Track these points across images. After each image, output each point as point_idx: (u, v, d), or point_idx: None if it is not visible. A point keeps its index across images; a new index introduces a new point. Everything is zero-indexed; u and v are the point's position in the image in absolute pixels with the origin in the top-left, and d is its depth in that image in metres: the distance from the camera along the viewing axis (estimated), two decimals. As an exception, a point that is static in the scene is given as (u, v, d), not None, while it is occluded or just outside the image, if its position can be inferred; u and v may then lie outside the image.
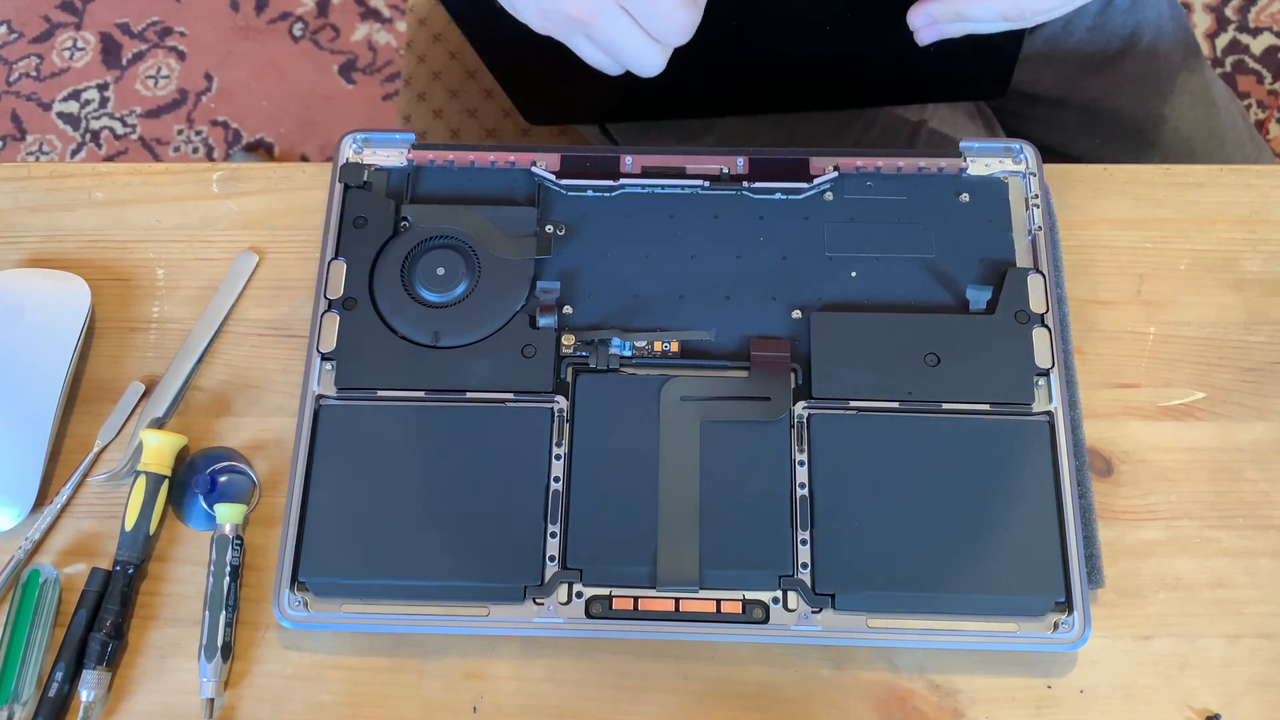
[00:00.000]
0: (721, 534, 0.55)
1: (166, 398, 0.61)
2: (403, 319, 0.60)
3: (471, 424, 0.58)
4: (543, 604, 0.55)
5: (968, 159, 0.63)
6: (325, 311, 0.60)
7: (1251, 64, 1.50)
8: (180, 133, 1.54)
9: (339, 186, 0.63)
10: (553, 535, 0.56)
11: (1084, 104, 0.83)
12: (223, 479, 0.59)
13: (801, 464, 0.57)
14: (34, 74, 1.58)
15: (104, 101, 1.56)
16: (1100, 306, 0.63)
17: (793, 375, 0.59)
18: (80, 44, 1.59)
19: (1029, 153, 0.63)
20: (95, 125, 1.55)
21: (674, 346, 0.60)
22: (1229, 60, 1.50)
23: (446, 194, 0.63)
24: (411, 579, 0.55)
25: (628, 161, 0.63)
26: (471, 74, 0.93)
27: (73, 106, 1.56)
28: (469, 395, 0.58)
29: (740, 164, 0.63)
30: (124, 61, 1.58)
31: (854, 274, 0.61)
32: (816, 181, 0.62)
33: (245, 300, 0.64)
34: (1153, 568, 0.57)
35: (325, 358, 0.59)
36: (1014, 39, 0.65)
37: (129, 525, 0.57)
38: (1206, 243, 0.64)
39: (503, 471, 0.57)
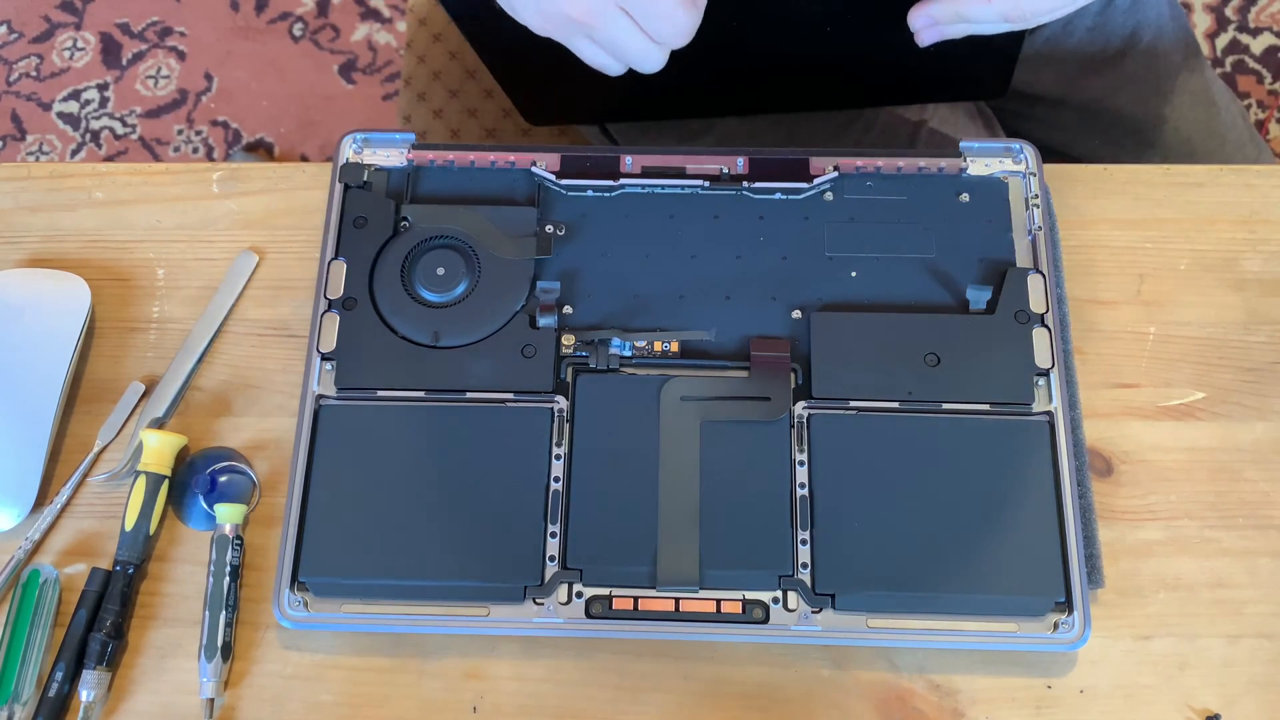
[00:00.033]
0: (721, 534, 0.55)
1: (166, 398, 0.61)
2: (403, 319, 0.60)
3: (471, 424, 0.58)
4: (543, 604, 0.55)
5: (968, 159, 0.63)
6: (325, 311, 0.60)
7: (1251, 64, 1.50)
8: (180, 133, 1.54)
9: (339, 186, 0.63)
10: (553, 535, 0.56)
11: (1084, 104, 0.83)
12: (223, 479, 0.59)
13: (801, 464, 0.57)
14: (34, 74, 1.58)
15: (104, 101, 1.56)
16: (1100, 306, 0.63)
17: (793, 375, 0.59)
18: (80, 44, 1.59)
19: (1029, 153, 0.63)
20: (95, 125, 1.55)
21: (674, 346, 0.60)
22: (1229, 60, 1.50)
23: (446, 194, 0.63)
24: (411, 579, 0.55)
25: (628, 161, 0.63)
26: (471, 74, 0.93)
27: (73, 106, 1.56)
28: (469, 395, 0.58)
29: (740, 164, 0.63)
30: (124, 61, 1.58)
31: (854, 274, 0.61)
32: (816, 181, 0.62)
33: (245, 300, 0.64)
34: (1153, 568, 0.57)
35: (325, 358, 0.59)
36: (1014, 39, 0.65)
37: (129, 525, 0.57)
38: (1206, 243, 0.64)
39: (503, 471, 0.57)
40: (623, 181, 0.63)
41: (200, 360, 0.62)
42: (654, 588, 0.55)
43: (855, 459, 0.57)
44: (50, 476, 0.60)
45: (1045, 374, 0.58)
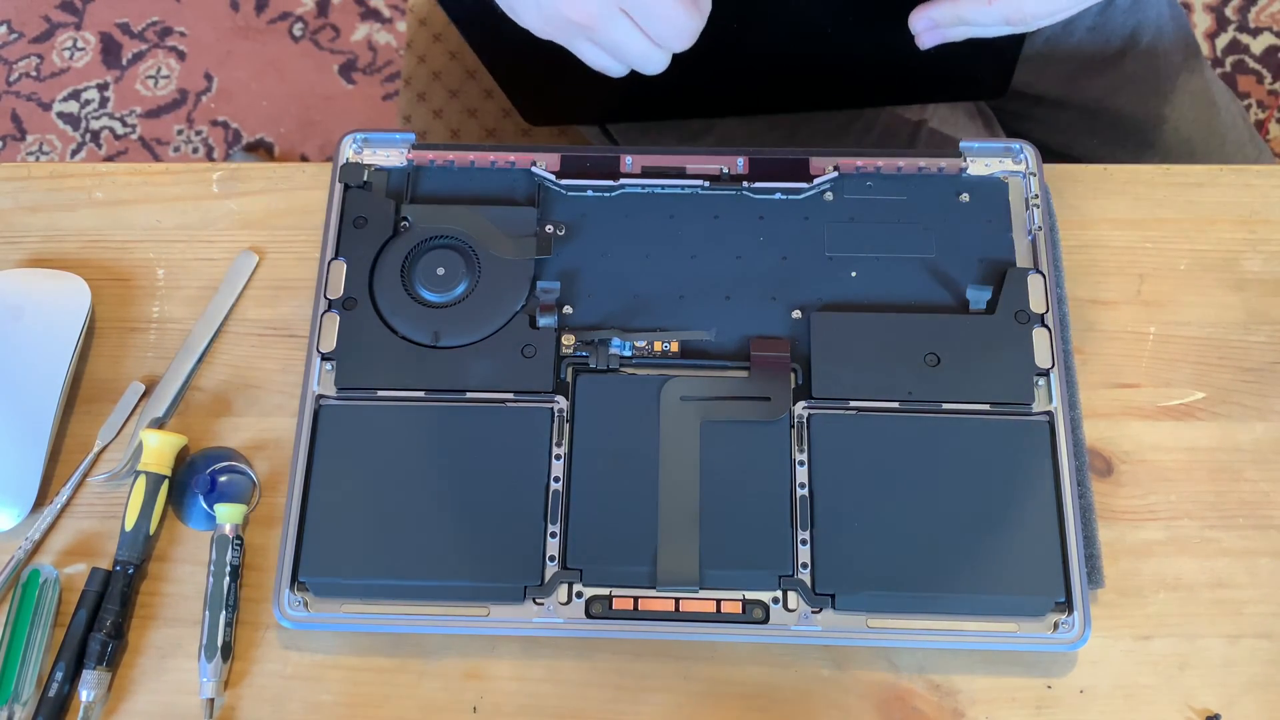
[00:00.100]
0: (721, 534, 0.55)
1: (166, 398, 0.61)
2: (403, 319, 0.60)
3: (471, 424, 0.58)
4: (543, 604, 0.55)
5: (968, 159, 0.63)
6: (325, 311, 0.60)
7: (1251, 64, 1.50)
8: (180, 133, 1.54)
9: (339, 186, 0.63)
10: (553, 535, 0.56)
11: (1084, 104, 0.83)
12: (223, 479, 0.59)
13: (801, 464, 0.57)
14: (34, 74, 1.58)
15: (104, 101, 1.56)
16: (1100, 306, 0.63)
17: (793, 375, 0.59)
18: (80, 44, 1.59)
19: (1029, 153, 0.63)
20: (95, 125, 1.55)
21: (674, 346, 0.60)
22: (1229, 60, 1.50)
23: (446, 194, 0.63)
24: (411, 579, 0.55)
25: (628, 161, 0.63)
26: (471, 74, 0.93)
27: (73, 106, 1.56)
28: (469, 395, 0.58)
29: (740, 164, 0.63)
30: (124, 61, 1.58)
31: (854, 274, 0.61)
32: (816, 181, 0.62)
33: (245, 300, 0.64)
34: (1153, 568, 0.57)
35: (325, 358, 0.59)
36: (1014, 40, 0.65)
37: (129, 525, 0.57)
38: (1206, 243, 0.64)
39: (503, 471, 0.57)
40: (623, 181, 0.63)
41: (200, 360, 0.62)
42: (654, 588, 0.55)
43: (855, 459, 0.57)
44: (50, 476, 0.60)
45: (1045, 374, 0.58)
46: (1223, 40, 1.52)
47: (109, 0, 1.61)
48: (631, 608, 0.55)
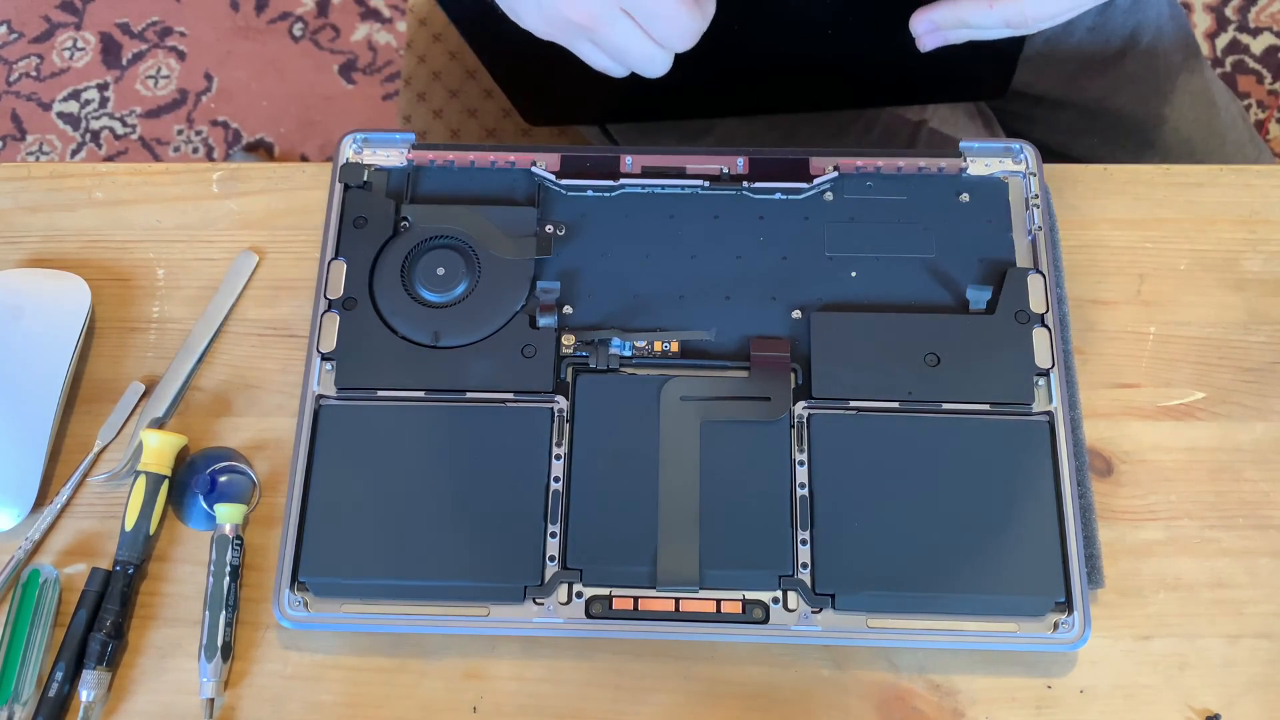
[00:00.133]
0: (721, 534, 0.55)
1: (166, 398, 0.61)
2: (403, 319, 0.60)
3: (471, 424, 0.58)
4: (543, 604, 0.55)
5: (968, 159, 0.63)
6: (325, 311, 0.60)
7: (1251, 64, 1.50)
8: (180, 133, 1.54)
9: (339, 186, 0.63)
10: (553, 535, 0.56)
11: (1084, 104, 0.83)
12: (223, 479, 0.59)
13: (801, 464, 0.57)
14: (34, 74, 1.58)
15: (104, 101, 1.56)
16: (1100, 306, 0.63)
17: (793, 375, 0.59)
18: (80, 44, 1.59)
19: (1029, 153, 0.63)
20: (95, 125, 1.55)
21: (674, 346, 0.60)
22: (1229, 60, 1.50)
23: (446, 194, 0.63)
24: (411, 579, 0.55)
25: (628, 161, 0.63)
26: (471, 74, 0.93)
27: (73, 106, 1.56)
28: (469, 395, 0.58)
29: (740, 164, 0.63)
30: (124, 61, 1.58)
31: (854, 274, 0.61)
32: (816, 181, 0.62)
33: (245, 300, 0.64)
34: (1153, 568, 0.57)
35: (325, 358, 0.59)
36: (1015, 41, 0.65)
37: (129, 525, 0.57)
38: (1206, 243, 0.64)
39: (503, 471, 0.57)
40: (623, 181, 0.63)
41: (200, 360, 0.62)
42: (654, 588, 0.55)
43: (855, 459, 0.57)
44: (50, 476, 0.60)
45: (1045, 374, 0.58)
46: (1223, 40, 1.52)
47: (109, 0, 1.61)
48: (631, 608, 0.55)
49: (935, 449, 0.57)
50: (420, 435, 0.57)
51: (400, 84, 0.96)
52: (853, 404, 0.58)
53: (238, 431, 0.61)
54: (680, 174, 0.63)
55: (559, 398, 0.58)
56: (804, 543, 0.55)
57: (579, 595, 0.55)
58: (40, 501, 0.59)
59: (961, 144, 0.63)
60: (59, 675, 0.55)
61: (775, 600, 0.55)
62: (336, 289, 0.61)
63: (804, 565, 0.55)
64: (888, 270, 0.61)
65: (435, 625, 0.55)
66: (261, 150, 1.53)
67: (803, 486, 0.56)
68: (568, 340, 0.59)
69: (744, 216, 0.62)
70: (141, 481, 0.58)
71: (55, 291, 0.63)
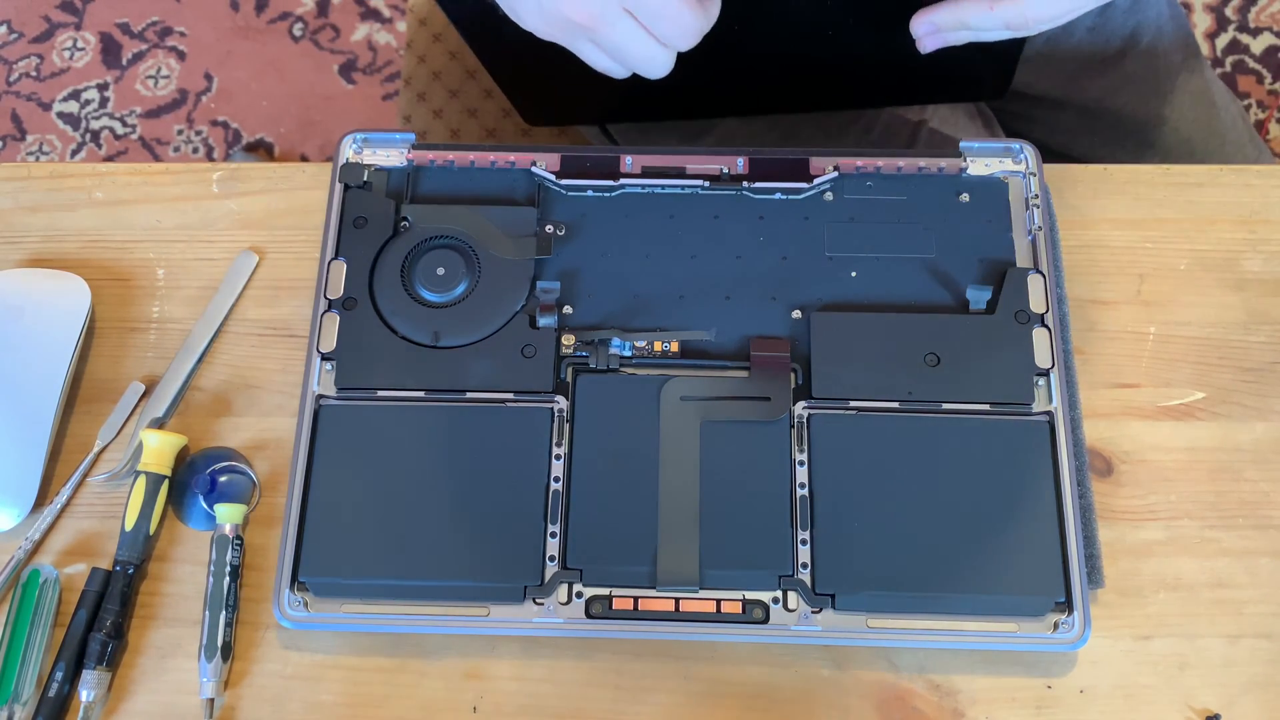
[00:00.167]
0: (721, 534, 0.55)
1: (166, 398, 0.61)
2: (403, 319, 0.60)
3: (471, 424, 0.58)
4: (543, 604, 0.55)
5: (968, 159, 0.63)
6: (325, 311, 0.60)
7: (1251, 64, 1.50)
8: (180, 133, 1.54)
9: (339, 186, 0.63)
10: (553, 535, 0.56)
11: (1084, 104, 0.83)
12: (223, 479, 0.59)
13: (801, 464, 0.57)
14: (34, 74, 1.58)
15: (104, 101, 1.56)
16: (1100, 306, 0.63)
17: (793, 375, 0.59)
18: (80, 44, 1.59)
19: (1029, 153, 0.63)
20: (95, 125, 1.55)
21: (674, 346, 0.60)
22: (1229, 60, 1.50)
23: (446, 194, 0.63)
24: (411, 579, 0.55)
25: (628, 161, 0.63)
26: (471, 74, 0.93)
27: (73, 106, 1.56)
28: (469, 395, 0.58)
29: (740, 164, 0.63)
30: (124, 61, 1.58)
31: (854, 274, 0.61)
32: (816, 181, 0.62)
33: (245, 300, 0.64)
34: (1153, 568, 0.57)
35: (325, 358, 0.59)
36: (1015, 41, 0.65)
37: (129, 525, 0.57)
38: (1206, 243, 0.64)
39: (503, 471, 0.57)
40: (623, 181, 0.63)
41: (200, 360, 0.62)
42: (654, 588, 0.55)
43: (855, 459, 0.57)
44: (50, 476, 0.60)
45: (1045, 374, 0.58)
46: (1223, 40, 1.52)
47: (109, 0, 1.61)
48: (631, 608, 0.55)
49: (935, 449, 0.57)
50: (420, 435, 0.57)
51: (400, 84, 0.96)
52: (853, 404, 0.58)
53: (238, 431, 0.61)
54: (680, 174, 0.63)
55: (559, 398, 0.58)
56: (804, 543, 0.55)
57: (579, 595, 0.55)
58: (40, 501, 0.59)
59: (961, 144, 0.63)
60: (59, 675, 0.55)
61: (775, 600, 0.55)
62: (336, 289, 0.61)
63: (804, 565, 0.55)
64: (888, 270, 0.61)
65: (435, 625, 0.55)
66: (261, 150, 1.53)
67: (803, 486, 0.56)
68: (568, 340, 0.59)
69: (744, 216, 0.62)
70: (141, 481, 0.58)
71: (55, 291, 0.63)
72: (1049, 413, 0.57)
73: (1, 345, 0.61)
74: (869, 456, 0.57)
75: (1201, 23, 1.52)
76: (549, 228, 0.62)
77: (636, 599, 0.55)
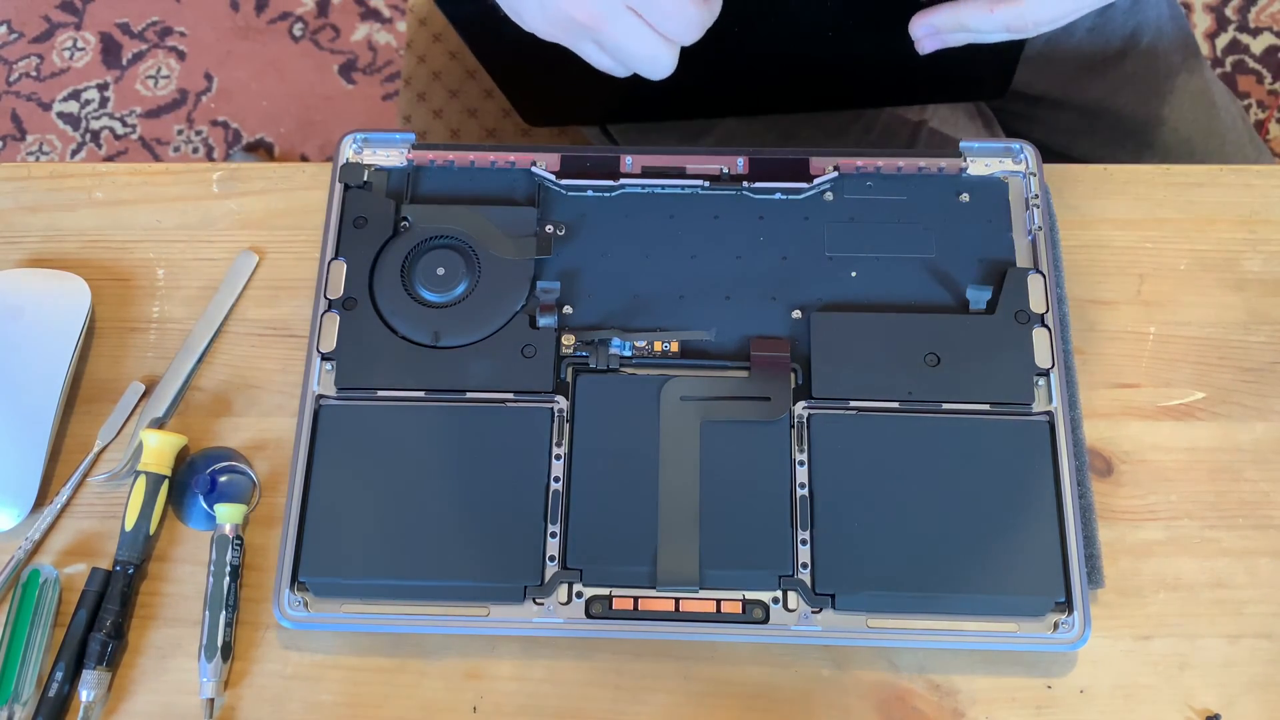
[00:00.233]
0: (721, 534, 0.55)
1: (166, 398, 0.61)
2: (403, 319, 0.60)
3: (471, 424, 0.58)
4: (543, 604, 0.55)
5: (968, 159, 0.63)
6: (325, 311, 0.60)
7: (1251, 64, 1.50)
8: (180, 133, 1.54)
9: (339, 186, 0.63)
10: (553, 535, 0.56)
11: (1084, 105, 0.83)
12: (223, 479, 0.59)
13: (801, 464, 0.57)
14: (34, 74, 1.58)
15: (104, 101, 1.56)
16: (1100, 306, 0.63)
17: (793, 375, 0.59)
18: (80, 44, 1.59)
19: (1029, 153, 0.63)
20: (95, 125, 1.55)
21: (674, 346, 0.60)
22: (1229, 60, 1.50)
23: (446, 194, 0.63)
24: (411, 579, 0.55)
25: (628, 161, 0.63)
26: (471, 74, 0.93)
27: (73, 106, 1.56)
28: (469, 395, 0.58)
29: (740, 164, 0.63)
30: (124, 61, 1.58)
31: (854, 274, 0.61)
32: (816, 181, 0.62)
33: (245, 300, 0.64)
34: (1153, 568, 0.57)
35: (325, 358, 0.59)
36: (1015, 42, 0.65)
37: (129, 525, 0.57)
38: (1206, 243, 0.64)
39: (503, 471, 0.57)
40: (623, 181, 0.63)
41: (200, 360, 0.62)
42: (654, 588, 0.55)
43: (855, 459, 0.57)
44: (50, 476, 0.60)
45: (1045, 374, 0.58)
46: (1223, 40, 1.52)
47: (109, 0, 1.61)
48: (631, 608, 0.55)
49: (935, 449, 0.57)
50: (420, 435, 0.57)
51: (400, 84, 0.96)
52: (853, 404, 0.58)
53: (238, 431, 0.61)
54: (680, 174, 0.63)
55: (559, 398, 0.58)
56: (804, 543, 0.55)
57: (579, 595, 0.55)
58: (40, 501, 0.59)
59: (961, 144, 0.63)
60: (59, 675, 0.55)
61: (775, 600, 0.55)
62: (336, 289, 0.61)
63: (804, 565, 0.55)
64: (888, 270, 0.61)
65: (435, 625, 0.55)
66: (261, 150, 1.53)
67: (803, 486, 0.56)
68: (568, 340, 0.59)
69: (744, 216, 0.62)
70: (141, 481, 0.58)
71: (55, 291, 0.63)
72: (1049, 413, 0.57)
73: (1, 345, 0.61)
74: (869, 456, 0.57)
75: (1201, 23, 1.52)
76: (549, 228, 0.62)
77: (636, 599, 0.55)
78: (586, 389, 0.58)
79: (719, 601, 0.55)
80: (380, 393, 0.59)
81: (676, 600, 0.55)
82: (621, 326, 0.60)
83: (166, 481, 0.59)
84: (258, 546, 0.58)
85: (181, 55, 1.58)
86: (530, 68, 0.69)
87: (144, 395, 0.62)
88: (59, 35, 1.60)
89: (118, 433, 0.61)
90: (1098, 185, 0.66)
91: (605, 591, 0.55)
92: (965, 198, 0.62)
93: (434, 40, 0.94)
